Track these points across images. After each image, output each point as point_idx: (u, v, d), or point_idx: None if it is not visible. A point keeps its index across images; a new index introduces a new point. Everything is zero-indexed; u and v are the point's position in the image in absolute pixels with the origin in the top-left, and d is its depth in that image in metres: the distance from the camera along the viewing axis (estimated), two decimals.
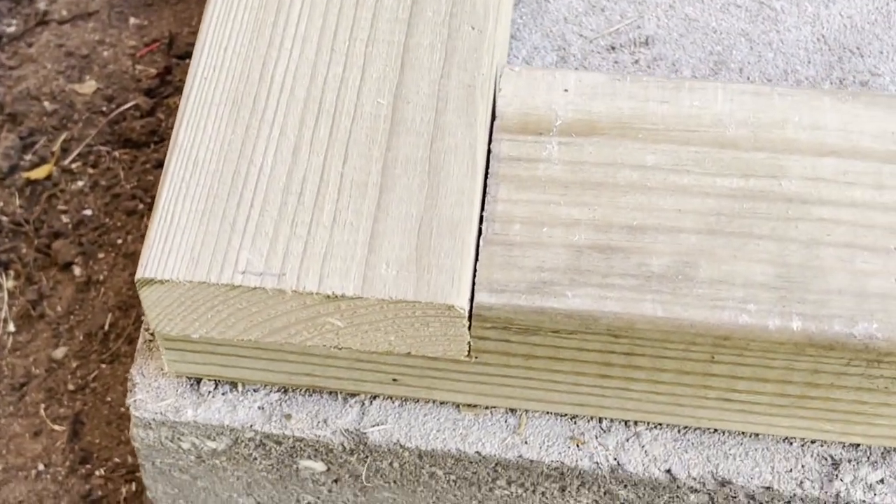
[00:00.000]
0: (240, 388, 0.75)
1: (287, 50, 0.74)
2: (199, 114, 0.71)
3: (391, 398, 0.74)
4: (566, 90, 0.73)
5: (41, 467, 0.96)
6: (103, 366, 1.00)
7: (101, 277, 1.04)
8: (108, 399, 0.99)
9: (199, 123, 0.71)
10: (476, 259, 0.68)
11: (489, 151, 0.71)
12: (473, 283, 0.67)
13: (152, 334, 0.76)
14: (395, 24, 0.75)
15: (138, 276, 0.66)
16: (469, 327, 0.67)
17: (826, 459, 0.72)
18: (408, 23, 0.75)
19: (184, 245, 0.67)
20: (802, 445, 0.72)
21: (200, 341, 0.71)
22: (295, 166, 0.69)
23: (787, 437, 0.73)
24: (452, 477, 0.76)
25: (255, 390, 0.75)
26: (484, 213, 0.69)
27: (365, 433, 0.73)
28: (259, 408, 0.74)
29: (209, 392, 0.75)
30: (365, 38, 0.74)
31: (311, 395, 0.75)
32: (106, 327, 1.02)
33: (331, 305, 0.66)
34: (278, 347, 0.71)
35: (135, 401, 0.74)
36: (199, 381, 0.75)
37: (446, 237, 0.67)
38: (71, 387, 1.00)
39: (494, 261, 0.67)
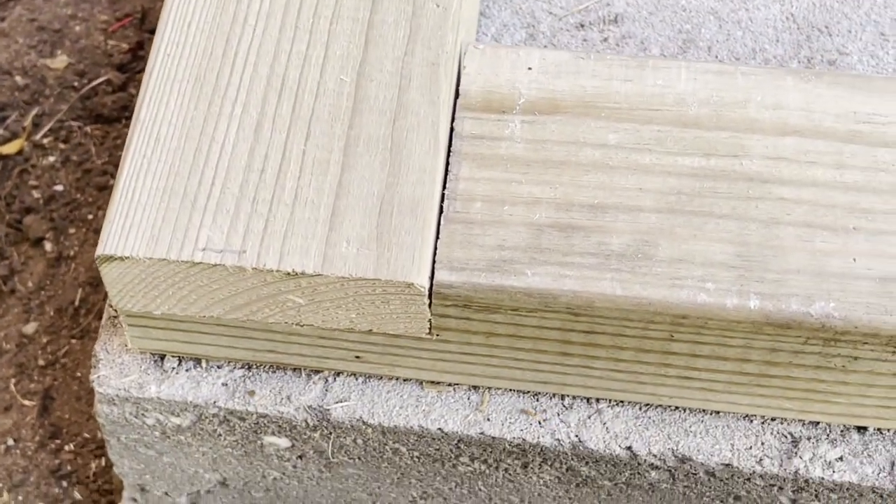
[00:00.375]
0: (203, 364, 0.75)
1: (251, 26, 0.73)
2: (162, 90, 0.71)
3: (354, 375, 0.75)
4: (530, 68, 0.73)
5: (10, 442, 0.97)
6: (73, 341, 1.00)
7: (72, 253, 1.04)
8: (78, 374, 0.99)
9: (162, 100, 0.71)
10: (437, 237, 0.68)
11: (452, 130, 0.71)
12: (434, 261, 0.67)
13: (116, 311, 0.77)
14: (360, 0, 0.74)
15: (98, 252, 0.66)
16: (430, 305, 0.67)
17: (786, 437, 0.73)
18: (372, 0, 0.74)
19: (144, 222, 0.67)
20: (762, 423, 0.73)
21: (162, 318, 0.71)
22: (257, 144, 0.69)
23: (747, 415, 0.73)
24: (416, 453, 0.76)
25: (218, 367, 0.75)
26: (445, 192, 0.69)
27: (328, 409, 0.74)
28: (223, 384, 0.75)
29: (173, 368, 0.75)
30: (329, 15, 0.74)
31: (274, 372, 0.75)
32: (76, 303, 1.02)
33: (291, 283, 0.66)
34: (240, 324, 0.71)
35: (98, 377, 0.74)
36: (162, 357, 0.75)
37: (407, 215, 0.67)
38: (41, 362, 1.00)
39: (455, 239, 0.67)
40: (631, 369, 0.70)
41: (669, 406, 0.73)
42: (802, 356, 0.67)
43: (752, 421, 0.73)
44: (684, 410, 0.73)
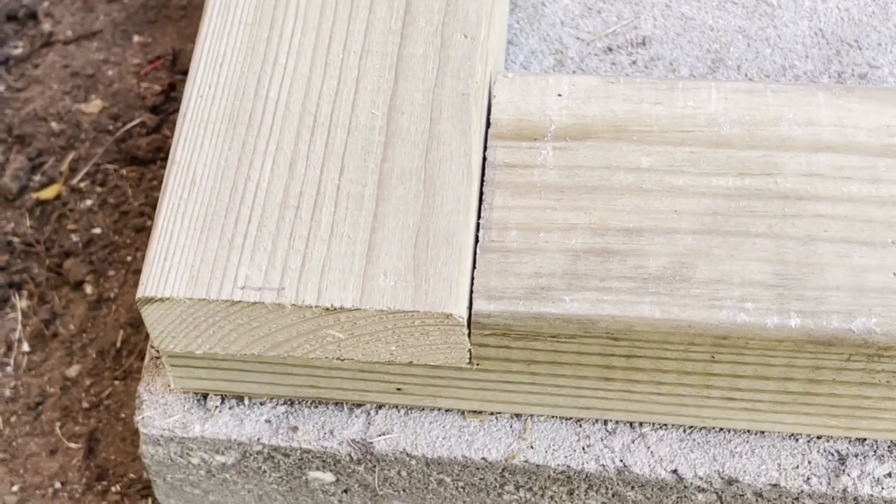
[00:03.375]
0: (246, 401, 0.75)
1: (281, 65, 0.74)
2: (196, 131, 0.72)
3: (396, 407, 0.75)
4: (560, 95, 0.74)
5: (58, 485, 0.97)
6: (116, 382, 1.01)
7: (112, 295, 1.04)
8: (122, 415, 1.00)
9: (197, 141, 0.72)
10: (473, 267, 0.68)
11: (484, 159, 0.72)
12: (471, 291, 0.67)
13: (158, 351, 0.77)
14: (388, 35, 0.75)
15: (139, 294, 0.67)
16: (469, 335, 0.67)
17: (833, 455, 0.72)
18: (401, 33, 0.75)
19: (183, 263, 0.67)
20: (808, 441, 0.72)
21: (204, 357, 0.71)
22: (291, 180, 0.70)
23: (792, 434, 0.72)
24: (461, 483, 0.76)
25: (261, 403, 0.75)
26: (480, 221, 0.69)
27: (371, 443, 0.74)
28: (266, 421, 0.75)
29: (216, 407, 0.75)
30: (359, 51, 0.74)
31: (316, 407, 0.75)
32: (118, 344, 1.02)
33: (330, 318, 0.67)
34: (282, 361, 0.71)
35: (143, 418, 0.75)
36: (205, 396, 0.76)
37: (443, 246, 0.67)
38: (85, 404, 1.01)
39: (491, 268, 0.68)
40: (673, 392, 0.70)
41: (714, 427, 0.73)
42: (846, 373, 0.67)
43: (797, 440, 0.73)
44: (729, 431, 0.73)
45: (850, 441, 0.72)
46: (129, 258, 1.06)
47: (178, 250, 0.68)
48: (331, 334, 0.68)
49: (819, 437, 0.72)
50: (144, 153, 1.10)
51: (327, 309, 0.66)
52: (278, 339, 0.68)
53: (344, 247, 0.68)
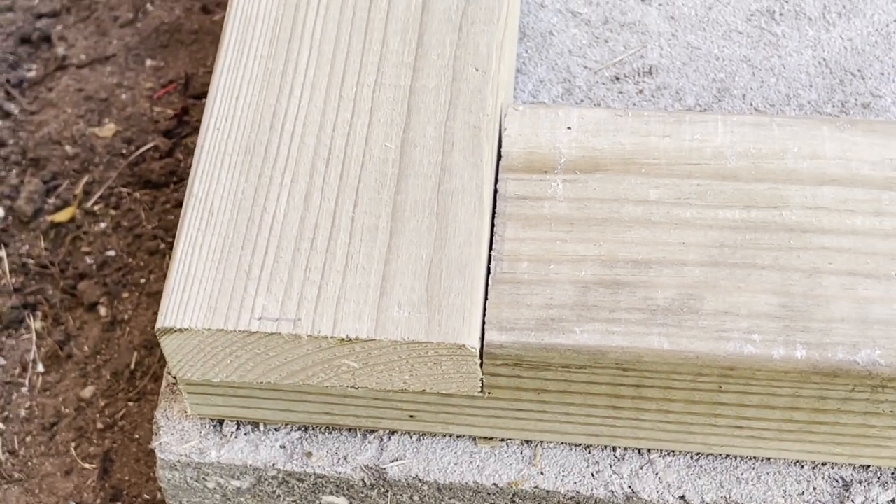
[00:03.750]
0: (261, 427, 0.77)
1: (297, 98, 0.76)
2: (213, 164, 0.74)
3: (409, 433, 0.76)
4: (569, 128, 0.75)
5: None
6: (130, 404, 1.03)
7: (126, 317, 1.06)
8: (136, 436, 1.01)
9: (214, 173, 0.73)
10: (485, 298, 0.69)
11: (496, 191, 0.73)
12: (483, 322, 0.68)
13: (175, 378, 0.79)
14: (401, 68, 0.76)
15: (158, 325, 0.68)
16: (481, 365, 0.69)
17: (837, 481, 0.73)
18: (413, 66, 0.76)
19: (201, 293, 0.69)
20: (813, 468, 0.74)
21: (221, 385, 0.73)
22: (307, 212, 0.71)
23: (797, 461, 0.74)
24: None
25: (276, 429, 0.77)
26: (492, 253, 0.71)
27: (384, 468, 0.75)
28: (281, 447, 0.76)
29: (232, 433, 0.77)
30: (372, 84, 0.76)
31: (330, 433, 0.77)
32: (132, 366, 1.04)
33: (346, 348, 0.68)
34: (297, 388, 0.73)
35: (160, 443, 0.76)
36: (221, 422, 0.77)
37: (456, 277, 0.69)
38: (100, 425, 1.02)
39: (503, 299, 0.69)
40: (681, 420, 0.71)
41: (720, 454, 0.74)
42: (851, 402, 0.68)
43: (802, 466, 0.74)
44: (735, 458, 0.74)
45: (854, 468, 0.73)
46: (142, 280, 1.08)
47: (196, 281, 0.69)
48: (345, 363, 0.69)
49: (824, 464, 0.74)
50: (157, 177, 1.12)
51: (342, 340, 0.67)
52: (294, 368, 0.70)
53: (359, 278, 0.69)
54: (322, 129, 0.74)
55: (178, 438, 0.77)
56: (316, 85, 0.76)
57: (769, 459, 0.74)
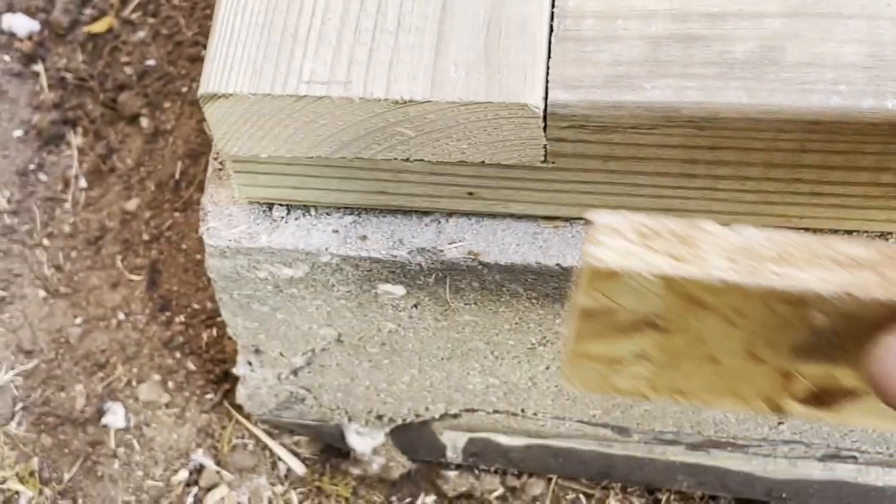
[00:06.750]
0: (312, 212, 0.73)
1: None
2: None
3: (467, 215, 0.72)
4: None
5: (122, 317, 0.96)
6: (176, 214, 1.00)
7: (169, 127, 1.02)
8: (184, 247, 0.98)
9: None
10: (548, 57, 0.65)
11: None
12: (547, 81, 0.64)
13: (221, 162, 0.75)
14: None
15: (201, 91, 0.64)
16: (544, 129, 0.64)
17: None
18: None
19: (246, 58, 0.65)
20: None
21: (269, 161, 0.69)
22: None
23: (882, 233, 0.69)
24: (534, 294, 0.74)
25: (328, 213, 0.73)
26: (554, 10, 0.66)
27: (442, 251, 0.72)
28: (333, 231, 0.73)
29: (282, 217, 0.73)
30: None
31: (385, 216, 0.73)
32: (176, 176, 1.01)
33: (399, 112, 0.64)
34: (349, 164, 0.69)
35: (207, 229, 0.73)
36: (270, 206, 0.73)
37: (516, 35, 0.64)
38: (146, 237, 0.99)
39: (568, 57, 0.64)
40: (759, 188, 0.67)
41: (799, 228, 0.70)
42: None
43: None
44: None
45: None
46: (184, 89, 1.04)
47: (239, 45, 0.65)
48: (400, 131, 0.65)
49: None
50: None
51: (396, 102, 0.63)
52: (345, 138, 0.66)
53: (412, 38, 0.64)
54: None
55: (226, 223, 0.73)
56: None
57: (851, 232, 0.70)
